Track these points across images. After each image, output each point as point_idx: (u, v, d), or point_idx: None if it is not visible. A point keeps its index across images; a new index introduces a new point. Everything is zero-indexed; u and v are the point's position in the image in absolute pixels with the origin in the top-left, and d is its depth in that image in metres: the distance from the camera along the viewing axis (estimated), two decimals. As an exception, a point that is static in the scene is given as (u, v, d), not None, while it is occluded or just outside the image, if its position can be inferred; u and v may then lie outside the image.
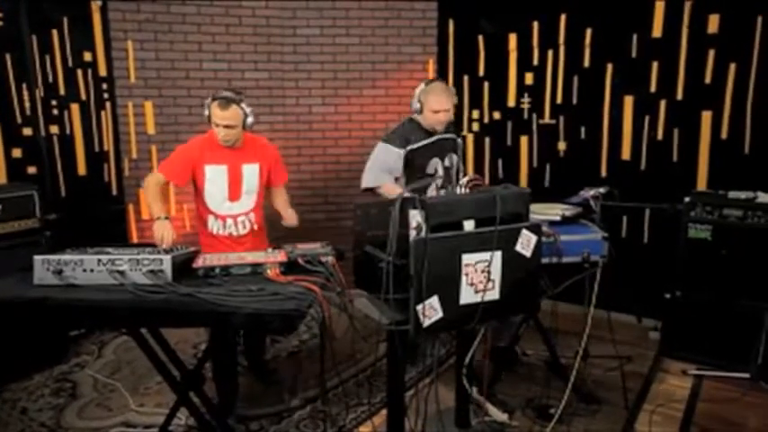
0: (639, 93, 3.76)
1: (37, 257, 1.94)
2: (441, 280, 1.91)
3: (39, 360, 3.25)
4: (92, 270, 1.93)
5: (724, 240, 3.13)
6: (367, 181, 3.03)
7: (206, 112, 2.73)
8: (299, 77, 4.35)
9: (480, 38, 4.30)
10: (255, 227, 2.91)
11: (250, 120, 2.75)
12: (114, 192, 4.10)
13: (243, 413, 2.77)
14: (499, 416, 2.64)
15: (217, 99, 2.69)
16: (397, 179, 3.02)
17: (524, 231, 2.06)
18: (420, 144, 3.02)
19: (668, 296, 3.33)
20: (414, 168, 3.03)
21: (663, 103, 3.70)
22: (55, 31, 3.70)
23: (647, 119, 3.77)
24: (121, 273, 1.92)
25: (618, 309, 3.76)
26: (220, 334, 2.10)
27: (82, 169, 3.91)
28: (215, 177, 2.78)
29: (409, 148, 2.99)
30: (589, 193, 2.80)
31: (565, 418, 2.63)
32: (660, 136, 3.74)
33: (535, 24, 4.07)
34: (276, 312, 1.74)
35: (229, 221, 2.84)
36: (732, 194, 3.20)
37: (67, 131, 3.82)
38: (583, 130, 4.02)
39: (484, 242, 1.98)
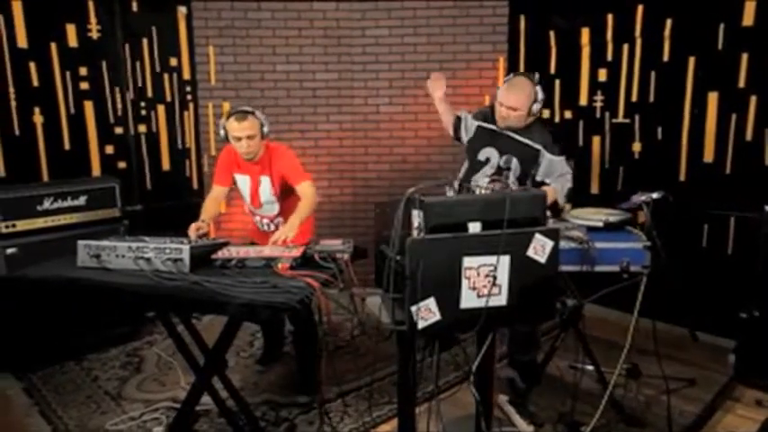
0: (726, 89, 3.39)
1: (80, 242, 2.18)
2: (439, 282, 1.87)
3: (118, 336, 3.62)
4: (123, 256, 2.13)
5: (812, 256, 2.75)
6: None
7: (222, 132, 2.84)
8: (367, 78, 4.42)
9: (552, 33, 4.11)
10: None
11: (266, 128, 2.82)
12: (195, 186, 4.46)
13: (275, 399, 2.90)
14: (524, 427, 2.53)
15: (232, 114, 2.77)
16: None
17: (537, 236, 1.95)
18: (489, 126, 2.91)
19: (744, 315, 2.97)
20: (470, 147, 2.98)
21: (753, 100, 3.30)
22: (145, 40, 4.08)
23: (733, 117, 3.39)
24: (147, 260, 2.10)
25: (687, 327, 3.47)
26: (234, 323, 2.22)
27: (166, 165, 4.29)
28: (240, 184, 3.02)
29: (480, 123, 2.95)
30: (641, 198, 2.58)
31: (596, 438, 2.46)
32: (749, 136, 3.35)
33: (609, 17, 3.81)
34: (265, 304, 1.82)
35: (257, 218, 3.10)
36: (826, 204, 2.79)
37: (154, 130, 4.20)
38: (660, 130, 3.70)
39: (489, 246, 1.91)
